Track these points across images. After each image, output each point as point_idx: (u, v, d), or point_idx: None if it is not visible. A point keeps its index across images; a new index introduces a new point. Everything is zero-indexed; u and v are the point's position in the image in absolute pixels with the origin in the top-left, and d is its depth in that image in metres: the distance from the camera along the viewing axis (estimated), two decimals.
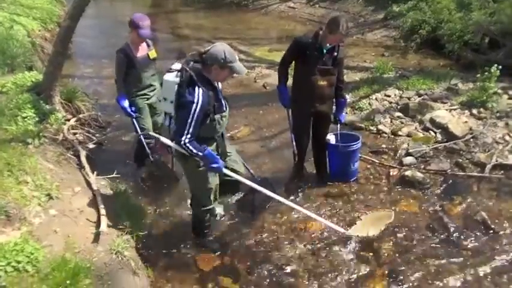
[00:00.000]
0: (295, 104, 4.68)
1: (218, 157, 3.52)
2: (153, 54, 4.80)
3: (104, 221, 3.66)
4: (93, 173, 4.45)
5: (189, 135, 3.34)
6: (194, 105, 3.28)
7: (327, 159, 4.98)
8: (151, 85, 4.85)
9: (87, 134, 5.64)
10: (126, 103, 4.67)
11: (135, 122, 4.80)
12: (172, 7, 15.36)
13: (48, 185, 3.88)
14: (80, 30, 7.12)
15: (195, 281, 3.77)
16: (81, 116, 5.92)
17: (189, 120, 3.30)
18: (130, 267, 3.45)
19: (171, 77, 3.46)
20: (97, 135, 5.68)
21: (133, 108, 4.73)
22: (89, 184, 4.27)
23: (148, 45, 4.77)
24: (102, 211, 3.79)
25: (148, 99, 4.86)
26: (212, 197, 3.84)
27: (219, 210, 4.06)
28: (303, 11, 13.29)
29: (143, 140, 4.87)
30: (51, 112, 5.30)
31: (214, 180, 3.75)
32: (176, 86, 3.42)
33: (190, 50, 9.81)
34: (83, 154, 4.81)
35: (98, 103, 6.93)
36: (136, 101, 4.77)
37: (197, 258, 4.00)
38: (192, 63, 3.38)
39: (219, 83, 3.60)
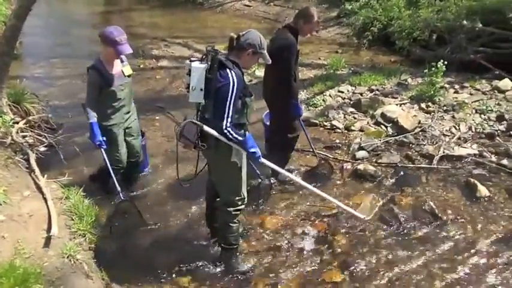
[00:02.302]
0: (287, 104, 4.50)
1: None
2: (128, 70, 4.28)
3: (55, 224, 3.57)
4: (43, 176, 4.33)
5: (229, 119, 3.19)
6: (230, 86, 3.15)
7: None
8: (126, 105, 4.34)
9: (37, 137, 5.44)
10: (98, 131, 4.09)
11: (104, 152, 4.19)
12: (126, 5, 15.09)
13: None
14: (30, 29, 6.90)
15: (152, 281, 3.74)
16: (30, 118, 5.72)
17: (227, 104, 3.16)
18: (83, 270, 3.39)
19: (198, 64, 3.26)
20: (48, 137, 5.49)
21: (104, 138, 4.13)
22: (39, 188, 4.15)
23: (122, 61, 4.25)
24: (53, 215, 3.70)
25: (123, 123, 4.35)
26: (245, 191, 3.66)
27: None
28: (257, 9, 13.35)
29: (113, 174, 4.23)
30: None
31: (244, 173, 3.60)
32: (204, 72, 3.21)
33: (147, 49, 9.77)
34: (32, 157, 4.66)
35: (48, 105, 6.71)
36: (109, 127, 4.24)
37: (154, 258, 3.97)
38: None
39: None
